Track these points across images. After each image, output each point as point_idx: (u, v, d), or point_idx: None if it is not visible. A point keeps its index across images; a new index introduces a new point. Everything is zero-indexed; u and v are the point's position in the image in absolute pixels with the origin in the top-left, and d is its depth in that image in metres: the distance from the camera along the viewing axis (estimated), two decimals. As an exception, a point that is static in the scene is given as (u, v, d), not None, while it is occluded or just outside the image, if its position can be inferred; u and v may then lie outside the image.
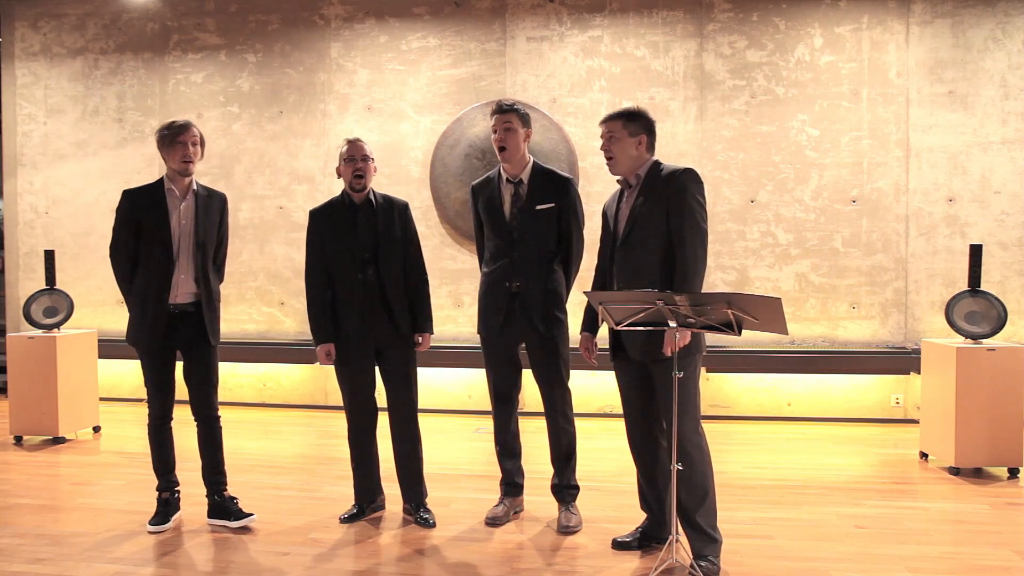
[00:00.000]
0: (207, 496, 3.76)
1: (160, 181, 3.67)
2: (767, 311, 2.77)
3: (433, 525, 3.69)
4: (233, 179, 6.68)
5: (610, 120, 3.24)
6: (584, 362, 3.56)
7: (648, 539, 3.38)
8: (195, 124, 3.68)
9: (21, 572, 3.17)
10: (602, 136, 3.27)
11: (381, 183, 6.33)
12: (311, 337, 3.83)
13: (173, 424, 3.79)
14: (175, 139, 3.58)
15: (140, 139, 6.90)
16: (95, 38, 6.97)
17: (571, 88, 6.24)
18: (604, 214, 3.41)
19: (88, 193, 7.00)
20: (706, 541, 3.11)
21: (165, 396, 3.71)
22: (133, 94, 6.91)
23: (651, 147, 3.26)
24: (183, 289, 3.62)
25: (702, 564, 3.04)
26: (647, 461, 3.32)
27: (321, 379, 6.53)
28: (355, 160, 3.67)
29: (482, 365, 3.56)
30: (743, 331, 2.87)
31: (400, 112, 6.47)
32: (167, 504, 3.75)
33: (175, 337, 3.65)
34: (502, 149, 3.61)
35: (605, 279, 3.35)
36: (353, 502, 3.85)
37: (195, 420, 3.75)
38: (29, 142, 7.09)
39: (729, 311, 2.81)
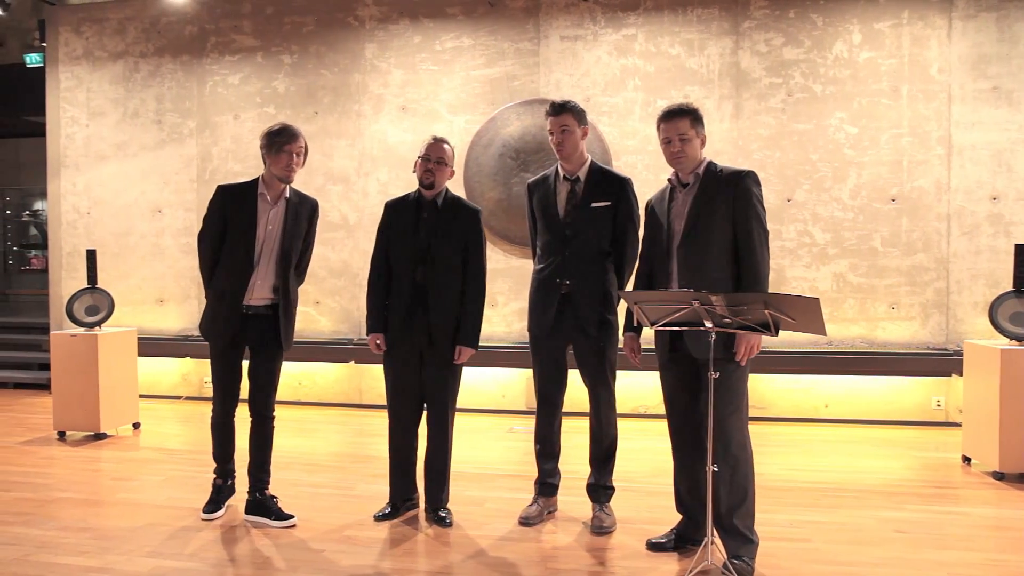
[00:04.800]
0: (248, 492, 3.81)
1: (255, 182, 3.72)
2: (805, 311, 2.74)
3: (450, 524, 3.68)
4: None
5: (679, 118, 3.17)
6: (626, 362, 3.55)
7: (683, 541, 3.35)
8: (302, 135, 3.69)
9: (65, 564, 3.24)
10: (668, 134, 3.19)
11: (412, 182, 6.35)
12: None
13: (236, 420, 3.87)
14: (282, 147, 3.61)
15: (178, 140, 7.01)
16: (135, 41, 7.10)
17: (605, 87, 6.21)
18: (651, 214, 3.36)
19: (128, 194, 7.12)
20: (741, 542, 3.08)
21: (228, 394, 3.77)
22: (172, 96, 7.02)
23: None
24: (259, 293, 3.68)
25: (735, 563, 3.01)
26: (694, 463, 3.27)
27: (356, 377, 6.58)
28: (429, 160, 3.70)
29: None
30: (780, 331, 2.84)
31: (434, 112, 6.49)
32: (220, 491, 3.84)
33: (246, 336, 3.70)
34: (560, 151, 3.59)
35: (653, 278, 3.33)
36: (388, 500, 3.86)
37: (250, 415, 3.81)
38: (72, 144, 7.24)
39: (766, 311, 2.78)
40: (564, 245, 3.58)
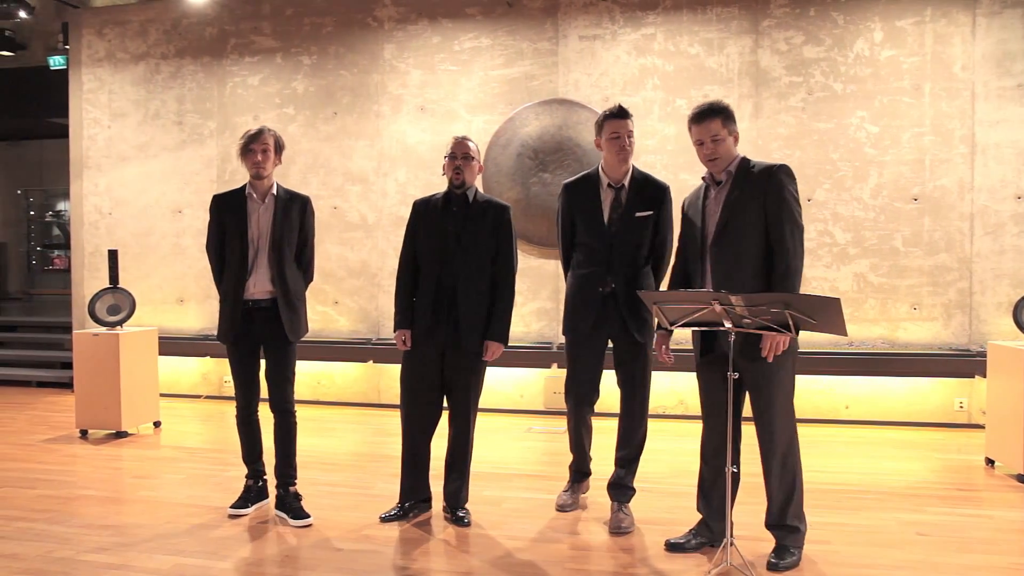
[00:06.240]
0: (276, 487, 3.86)
1: (245, 186, 3.87)
2: (825, 312, 2.72)
3: (468, 524, 3.68)
4: (288, 180, 6.78)
5: (709, 119, 3.15)
6: (654, 362, 3.59)
7: (703, 541, 3.34)
8: (270, 130, 3.81)
9: (86, 561, 3.28)
10: (700, 136, 3.17)
11: (433, 182, 6.37)
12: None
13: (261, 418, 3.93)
14: (247, 147, 3.76)
15: (199, 141, 7.06)
16: (156, 43, 7.16)
17: (624, 87, 6.19)
18: (685, 213, 3.35)
19: (149, 194, 7.19)
20: (789, 532, 3.16)
21: (246, 389, 3.86)
22: (192, 97, 7.08)
23: None
24: (259, 287, 3.78)
25: (793, 551, 3.13)
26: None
27: (374, 377, 6.60)
28: (455, 158, 3.71)
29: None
30: (800, 332, 2.82)
31: (453, 112, 6.50)
32: (249, 491, 3.91)
33: (253, 331, 3.79)
34: (624, 155, 3.59)
35: (689, 278, 3.32)
36: (398, 500, 3.83)
37: (272, 412, 3.85)
38: (94, 145, 7.31)
39: (787, 312, 2.76)
40: (609, 252, 3.62)
